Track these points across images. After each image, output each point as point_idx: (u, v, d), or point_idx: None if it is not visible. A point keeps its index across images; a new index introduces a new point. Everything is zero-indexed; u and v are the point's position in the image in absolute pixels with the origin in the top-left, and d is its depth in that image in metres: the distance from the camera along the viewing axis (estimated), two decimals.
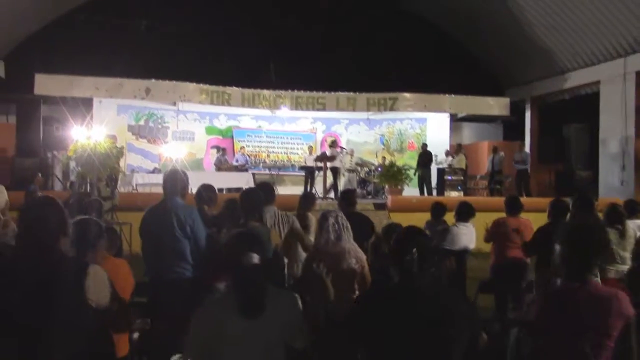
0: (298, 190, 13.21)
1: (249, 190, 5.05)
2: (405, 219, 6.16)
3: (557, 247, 2.72)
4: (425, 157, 15.92)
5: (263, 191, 5.11)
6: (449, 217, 6.85)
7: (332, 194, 14.92)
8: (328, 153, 15.23)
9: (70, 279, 2.47)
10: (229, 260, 2.60)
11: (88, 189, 11.52)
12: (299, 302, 2.68)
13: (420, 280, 2.53)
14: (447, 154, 16.84)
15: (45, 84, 14.55)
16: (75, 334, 2.44)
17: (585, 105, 17.27)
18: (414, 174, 15.81)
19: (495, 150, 16.89)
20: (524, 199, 10.78)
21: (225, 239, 3.57)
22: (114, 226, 6.41)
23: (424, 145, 16.33)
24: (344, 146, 17.20)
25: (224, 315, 2.50)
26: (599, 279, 4.40)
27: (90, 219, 3.60)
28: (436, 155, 16.34)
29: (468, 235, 6.48)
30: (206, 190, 5.53)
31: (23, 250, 2.53)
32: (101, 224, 3.56)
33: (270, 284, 2.62)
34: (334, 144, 15.59)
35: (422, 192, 15.67)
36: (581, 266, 2.65)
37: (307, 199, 6.58)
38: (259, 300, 2.50)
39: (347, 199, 6.31)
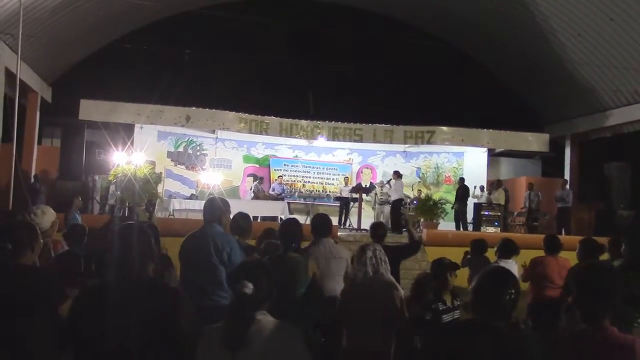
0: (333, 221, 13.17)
1: (288, 220, 5.04)
2: (440, 254, 6.08)
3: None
4: (462, 192, 15.75)
5: (319, 223, 5.08)
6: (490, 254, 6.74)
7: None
8: (392, 183, 15.13)
9: (168, 304, 2.56)
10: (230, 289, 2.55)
11: (126, 214, 11.71)
12: (299, 338, 2.49)
13: (507, 319, 2.49)
14: (482, 189, 16.67)
15: (89, 109, 14.95)
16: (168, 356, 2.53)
17: (628, 143, 16.95)
18: (452, 208, 15.67)
19: (531, 187, 16.62)
20: (563, 238, 10.54)
21: None
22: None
23: (461, 180, 16.19)
24: (377, 179, 17.27)
25: (211, 346, 2.43)
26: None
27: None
28: (475, 187, 16.15)
29: None
30: (242, 219, 5.50)
31: (119, 277, 2.62)
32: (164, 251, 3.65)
33: (270, 316, 2.49)
34: (395, 175, 15.49)
35: (458, 227, 15.48)
36: (594, 310, 2.50)
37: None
38: (240, 332, 2.38)
39: (375, 232, 6.28)
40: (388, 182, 15.62)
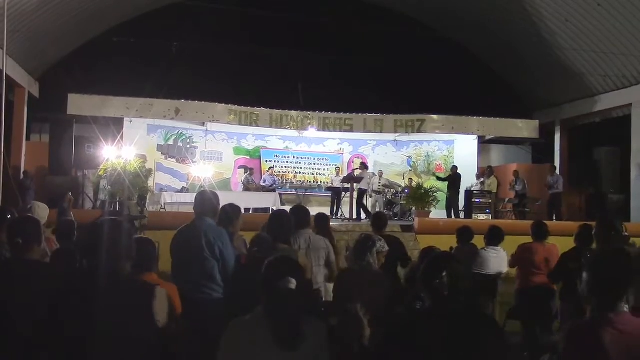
0: (325, 211, 13.17)
1: (279, 212, 5.04)
2: (432, 242, 6.11)
3: (584, 276, 2.61)
4: (454, 180, 15.76)
5: (298, 214, 5.07)
6: (479, 241, 6.77)
7: (356, 216, 14.89)
8: (356, 174, 15.24)
9: (141, 300, 2.53)
10: (265, 284, 2.47)
11: (118, 208, 11.67)
12: (326, 331, 2.50)
13: (451, 305, 2.51)
14: (478, 176, 16.73)
15: (77, 104, 14.84)
16: (144, 354, 2.49)
17: (617, 128, 17.04)
18: (438, 178, 15.75)
19: (516, 174, 16.62)
20: (555, 223, 10.60)
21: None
22: None
23: (454, 168, 16.17)
24: (369, 168, 17.32)
25: (258, 343, 2.34)
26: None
27: (147, 239, 3.67)
28: (472, 184, 16.16)
29: (498, 260, 6.40)
30: (232, 210, 5.44)
31: (92, 272, 2.60)
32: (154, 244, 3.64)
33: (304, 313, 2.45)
34: (362, 166, 15.62)
35: (449, 215, 15.53)
36: (611, 296, 2.48)
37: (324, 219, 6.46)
38: (297, 330, 2.34)
39: (377, 222, 6.30)
40: (354, 170, 15.79)
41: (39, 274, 3.07)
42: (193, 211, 4.70)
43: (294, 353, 2.32)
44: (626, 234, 5.05)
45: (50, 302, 2.56)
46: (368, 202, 16.15)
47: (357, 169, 15.80)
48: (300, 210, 5.31)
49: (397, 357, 2.49)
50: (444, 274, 2.52)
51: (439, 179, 16.03)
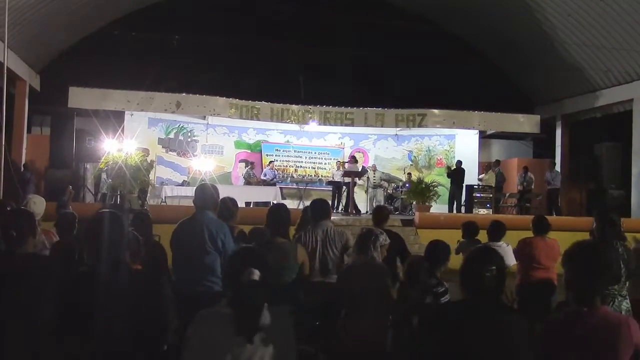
0: None
1: (277, 206, 5.04)
2: (433, 236, 6.09)
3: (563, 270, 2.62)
4: (458, 174, 15.71)
5: (317, 206, 5.15)
6: (482, 236, 6.75)
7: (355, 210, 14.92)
8: (346, 167, 15.24)
9: (149, 289, 2.57)
10: (229, 276, 2.50)
11: (118, 201, 11.67)
12: (290, 321, 2.52)
13: (496, 299, 2.52)
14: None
15: (78, 97, 14.87)
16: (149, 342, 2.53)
17: (618, 123, 17.00)
18: (448, 173, 15.81)
19: (525, 169, 16.61)
20: (553, 218, 10.58)
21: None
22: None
23: (459, 162, 16.07)
24: (369, 162, 17.36)
25: (222, 334, 2.37)
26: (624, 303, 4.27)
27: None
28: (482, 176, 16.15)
29: None
30: (232, 203, 5.44)
31: (98, 264, 2.63)
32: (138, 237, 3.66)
33: (269, 304, 2.44)
34: (353, 160, 15.57)
35: (451, 209, 15.52)
36: (587, 290, 2.50)
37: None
38: (259, 322, 2.36)
39: (377, 215, 6.30)
40: (343, 163, 15.77)
41: (34, 266, 3.09)
42: (193, 205, 4.70)
43: (257, 344, 2.34)
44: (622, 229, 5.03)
45: (60, 293, 2.59)
46: (365, 196, 16.17)
47: (346, 162, 15.77)
48: (319, 203, 5.37)
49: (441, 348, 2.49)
50: (493, 267, 2.52)
51: (448, 175, 15.93)
